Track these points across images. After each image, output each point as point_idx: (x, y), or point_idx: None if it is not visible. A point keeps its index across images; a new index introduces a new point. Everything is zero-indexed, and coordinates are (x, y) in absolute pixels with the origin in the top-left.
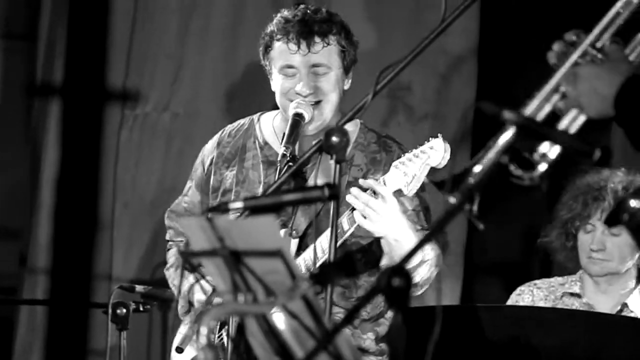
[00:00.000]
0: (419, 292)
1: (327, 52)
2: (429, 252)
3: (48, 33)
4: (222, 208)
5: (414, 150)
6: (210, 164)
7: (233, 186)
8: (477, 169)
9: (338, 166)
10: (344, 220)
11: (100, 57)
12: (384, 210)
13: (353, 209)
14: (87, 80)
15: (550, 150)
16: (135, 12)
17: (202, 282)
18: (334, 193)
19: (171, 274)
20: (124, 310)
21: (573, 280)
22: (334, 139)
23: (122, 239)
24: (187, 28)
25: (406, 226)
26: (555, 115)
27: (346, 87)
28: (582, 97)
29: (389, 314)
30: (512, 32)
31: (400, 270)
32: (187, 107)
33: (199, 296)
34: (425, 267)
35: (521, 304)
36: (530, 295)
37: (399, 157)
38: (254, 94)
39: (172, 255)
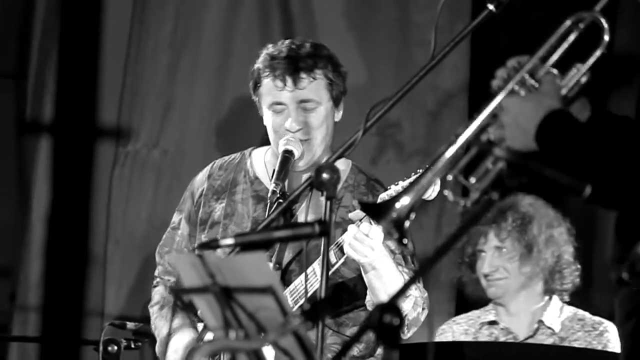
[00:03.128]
0: (408, 334)
1: (314, 87)
2: (413, 290)
3: (37, 70)
4: (213, 244)
5: (401, 182)
6: (200, 195)
7: (221, 219)
8: (403, 200)
9: (329, 203)
10: (331, 254)
11: (90, 94)
12: (372, 243)
13: (337, 243)
14: (78, 117)
15: (484, 178)
16: (128, 49)
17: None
18: (325, 230)
19: (154, 312)
20: (115, 348)
21: (487, 309)
22: (325, 175)
23: (114, 275)
24: (177, 65)
25: (388, 257)
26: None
27: (337, 119)
28: (506, 129)
29: (379, 351)
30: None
31: (392, 307)
32: (177, 143)
33: (175, 345)
34: (408, 302)
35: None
36: (450, 332)
37: None
38: (242, 131)
39: (157, 293)
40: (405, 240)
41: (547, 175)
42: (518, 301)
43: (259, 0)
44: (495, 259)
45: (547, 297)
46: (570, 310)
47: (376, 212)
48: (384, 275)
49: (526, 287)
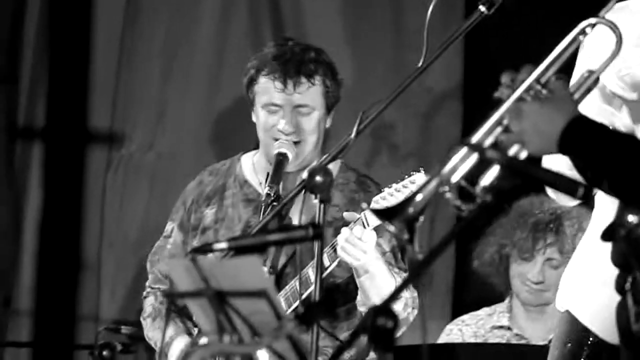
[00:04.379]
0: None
1: (312, 93)
2: (404, 291)
3: (30, 76)
4: (206, 248)
5: (395, 185)
6: (192, 203)
7: (212, 224)
8: (419, 198)
9: (322, 206)
10: (324, 257)
11: (82, 99)
12: (365, 246)
13: (331, 245)
14: (70, 122)
15: (491, 183)
16: (120, 54)
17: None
18: (319, 233)
19: (147, 324)
20: (110, 352)
21: (501, 311)
22: (318, 178)
23: (108, 279)
24: (170, 70)
25: (379, 259)
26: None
27: (327, 125)
28: (525, 134)
29: (372, 355)
30: (496, 69)
31: (385, 310)
32: (171, 147)
33: (172, 353)
34: (399, 304)
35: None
36: (459, 333)
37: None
38: (236, 135)
39: (148, 304)
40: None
41: (541, 177)
42: (543, 310)
43: (249, 7)
44: (547, 269)
45: None
46: None
47: (387, 213)
48: (377, 277)
49: None
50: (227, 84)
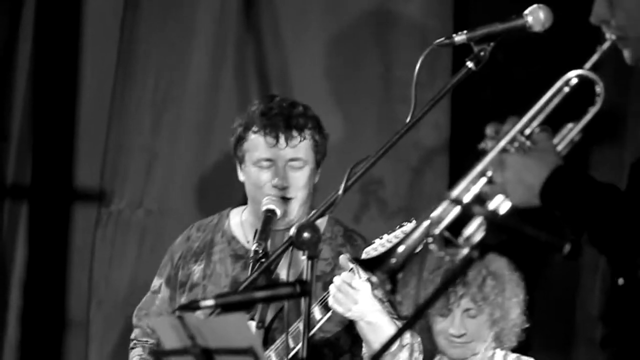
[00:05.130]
0: None
1: (303, 147)
2: (407, 337)
3: (19, 133)
4: (193, 306)
5: (387, 236)
6: (179, 258)
7: (200, 280)
8: (401, 249)
9: (310, 262)
10: (316, 310)
11: (69, 156)
12: (357, 295)
13: (322, 299)
14: (57, 180)
15: (474, 234)
16: (110, 109)
17: None
18: (306, 290)
19: None
20: None
21: None
22: (306, 235)
23: (97, 337)
24: (160, 123)
25: (379, 309)
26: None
27: (315, 181)
28: (508, 185)
29: None
30: (483, 124)
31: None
32: (160, 203)
33: None
34: (405, 352)
35: None
36: None
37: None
38: (226, 190)
39: (135, 355)
40: (394, 291)
41: (527, 233)
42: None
43: (236, 64)
44: (466, 321)
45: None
46: (513, 357)
47: (370, 264)
48: (379, 328)
49: (484, 351)
50: (217, 139)
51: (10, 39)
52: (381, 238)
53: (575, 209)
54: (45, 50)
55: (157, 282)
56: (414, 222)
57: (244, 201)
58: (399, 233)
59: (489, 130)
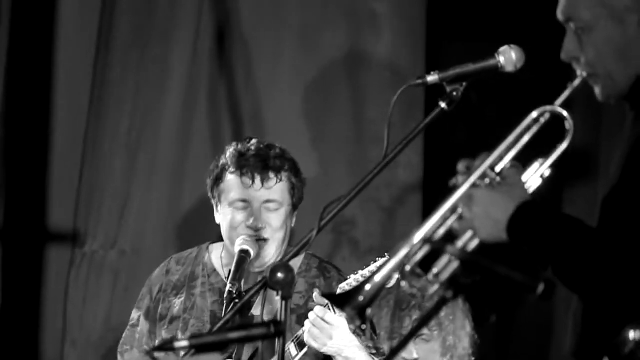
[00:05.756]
0: None
1: (279, 189)
2: None
3: None
4: (167, 347)
5: (361, 272)
6: (159, 291)
7: (181, 313)
8: (370, 285)
9: (284, 303)
10: (291, 347)
11: (42, 197)
12: (332, 330)
13: (297, 336)
14: (29, 221)
15: (443, 270)
16: (84, 150)
17: None
18: (280, 330)
19: None
20: None
21: None
22: (280, 275)
23: None
24: (134, 165)
25: (356, 345)
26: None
27: (292, 224)
28: (475, 220)
29: None
30: (456, 165)
31: None
32: (134, 244)
33: None
34: None
35: None
36: None
37: (339, 282)
38: (199, 232)
39: None
40: (364, 327)
41: (501, 273)
42: None
43: (209, 102)
44: (420, 346)
45: None
46: None
47: (339, 300)
48: None
49: None
50: (190, 180)
51: None
52: (356, 273)
53: (541, 244)
54: (17, 92)
55: (135, 314)
56: (387, 256)
57: (219, 240)
58: (373, 268)
59: (460, 166)
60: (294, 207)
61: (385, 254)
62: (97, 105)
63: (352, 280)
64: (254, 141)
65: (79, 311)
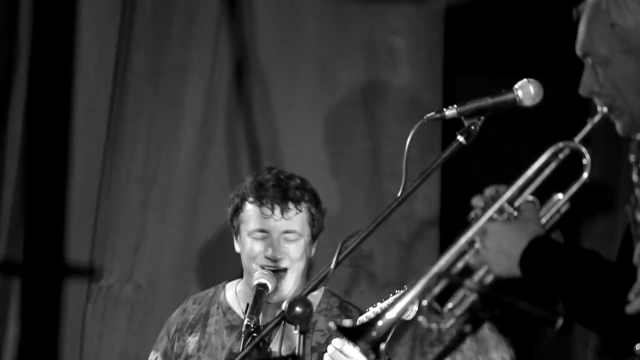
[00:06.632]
0: None
1: (299, 219)
2: None
3: (12, 211)
4: None
5: (380, 304)
6: (175, 331)
7: (195, 352)
8: (384, 319)
9: (302, 337)
10: None
11: (60, 232)
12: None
13: None
14: (48, 256)
15: (459, 305)
16: (100, 183)
17: None
18: None
19: None
20: None
21: None
22: (298, 309)
23: None
24: (149, 198)
25: None
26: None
27: (311, 254)
28: (489, 254)
29: None
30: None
31: None
32: (150, 278)
33: None
34: None
35: None
36: None
37: None
38: (215, 264)
39: None
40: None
41: (521, 308)
42: None
43: (226, 134)
44: None
45: None
46: None
47: (353, 333)
48: None
49: None
50: (206, 214)
51: (1, 118)
52: (375, 306)
53: (553, 279)
54: (35, 128)
55: (152, 356)
56: (406, 289)
57: (239, 275)
58: (391, 300)
59: (476, 200)
60: (314, 237)
61: (405, 286)
62: (113, 139)
63: (371, 313)
64: (274, 171)
65: (95, 345)
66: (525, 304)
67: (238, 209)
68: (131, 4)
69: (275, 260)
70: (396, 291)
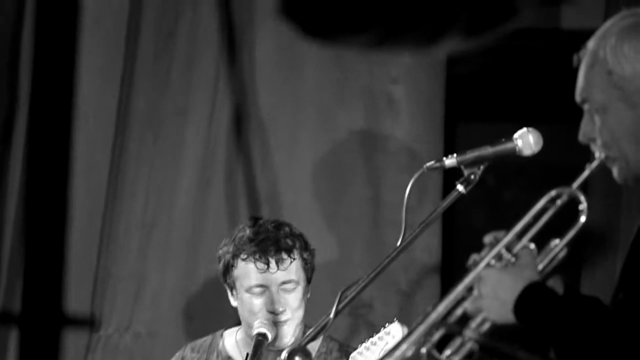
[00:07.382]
0: None
1: (294, 268)
2: None
3: (10, 260)
4: None
5: (371, 339)
6: None
7: None
8: None
9: None
10: None
11: (58, 281)
12: None
13: None
14: (46, 306)
15: (456, 352)
16: (102, 230)
17: None
18: None
19: None
20: None
21: None
22: (297, 359)
23: None
24: (148, 245)
25: None
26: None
27: (307, 296)
28: (484, 300)
29: None
30: (474, 248)
31: None
32: (148, 326)
33: None
34: None
35: None
36: None
37: None
38: (214, 313)
39: None
40: None
41: (519, 357)
42: None
43: (225, 181)
44: None
45: None
46: None
47: None
48: None
49: None
50: (205, 261)
51: (1, 165)
52: (366, 341)
53: (547, 326)
54: (34, 176)
55: None
56: (396, 321)
57: (237, 322)
58: (382, 334)
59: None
60: (309, 281)
61: (395, 319)
62: (113, 185)
63: (362, 349)
64: (261, 222)
65: None
66: (524, 353)
67: (231, 266)
68: (132, 49)
69: (278, 313)
70: (387, 324)
